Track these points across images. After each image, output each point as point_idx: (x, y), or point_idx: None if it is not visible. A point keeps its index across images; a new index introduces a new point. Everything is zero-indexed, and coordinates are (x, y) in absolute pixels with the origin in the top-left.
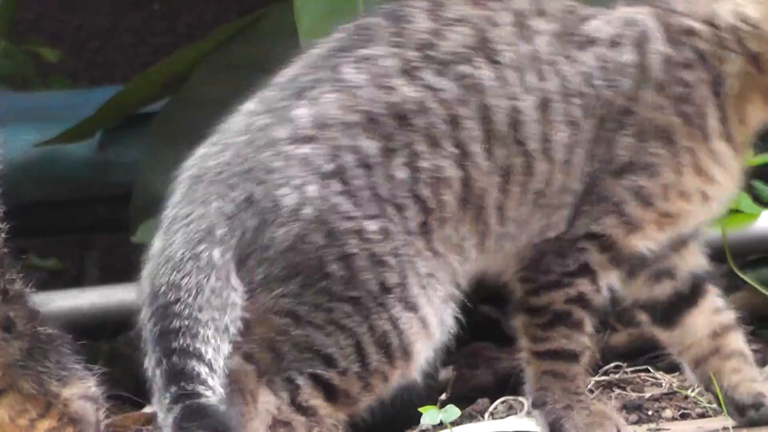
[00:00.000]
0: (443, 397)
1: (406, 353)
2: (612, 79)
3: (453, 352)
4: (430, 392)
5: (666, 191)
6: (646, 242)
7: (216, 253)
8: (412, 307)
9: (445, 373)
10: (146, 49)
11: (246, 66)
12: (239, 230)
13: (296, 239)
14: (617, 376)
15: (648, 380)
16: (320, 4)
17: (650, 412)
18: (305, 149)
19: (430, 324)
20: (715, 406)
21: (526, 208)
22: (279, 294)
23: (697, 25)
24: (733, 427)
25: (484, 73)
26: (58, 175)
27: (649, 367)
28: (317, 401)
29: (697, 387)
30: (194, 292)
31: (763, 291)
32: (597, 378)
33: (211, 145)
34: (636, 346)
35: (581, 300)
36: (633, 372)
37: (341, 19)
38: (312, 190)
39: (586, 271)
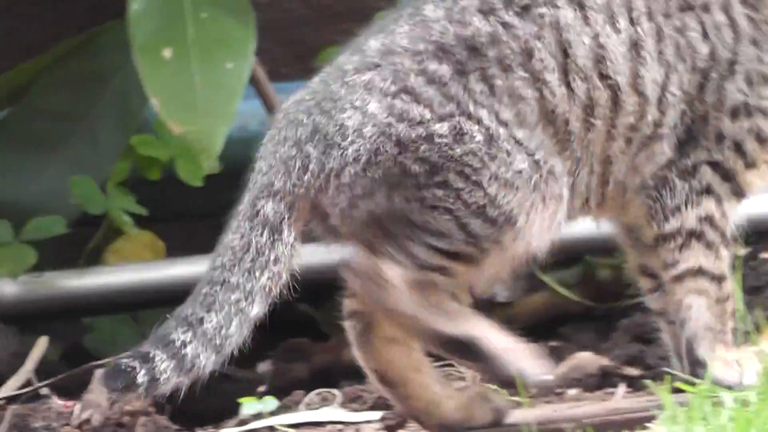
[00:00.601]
0: (262, 389)
1: (510, 220)
2: (711, 36)
3: (272, 347)
4: (250, 385)
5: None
6: (760, 179)
7: (269, 207)
8: (509, 185)
9: (264, 367)
10: None
11: (84, 78)
12: (299, 166)
13: (369, 156)
14: None
15: (454, 373)
16: (152, 22)
17: None
18: (368, 75)
19: (531, 207)
20: (517, 398)
21: (617, 142)
22: (370, 208)
23: None
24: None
25: (565, 13)
26: None
27: (454, 361)
28: (443, 261)
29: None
30: (240, 253)
31: (562, 291)
32: None
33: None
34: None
35: (711, 221)
36: (440, 365)
37: (171, 37)
38: (373, 107)
39: (711, 192)
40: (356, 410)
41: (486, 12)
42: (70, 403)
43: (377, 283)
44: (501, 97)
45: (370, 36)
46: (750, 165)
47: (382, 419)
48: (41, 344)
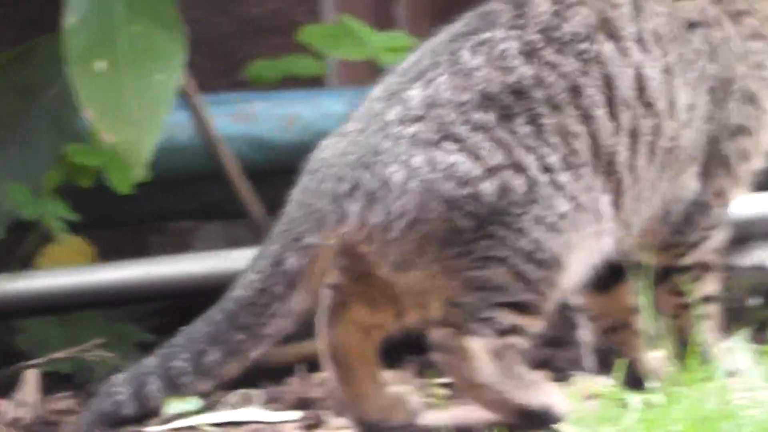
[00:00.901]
0: None
1: (557, 262)
2: (715, 55)
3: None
4: None
5: (757, 149)
6: (738, 195)
7: (292, 260)
8: (554, 229)
9: None
10: None
11: (19, 89)
12: (335, 220)
13: (416, 212)
14: None
15: None
16: (85, 36)
17: None
18: (413, 128)
19: (575, 246)
20: (430, 399)
21: (655, 167)
22: (422, 266)
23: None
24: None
25: (606, 47)
26: None
27: None
28: (515, 318)
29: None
30: (254, 296)
31: None
32: (324, 373)
33: (335, 135)
34: None
35: (718, 249)
36: None
37: (104, 49)
38: (417, 160)
39: (721, 223)
40: (276, 410)
41: (528, 53)
42: (2, 401)
43: (461, 357)
44: (548, 138)
45: (406, 83)
46: (737, 185)
47: (301, 419)
48: None
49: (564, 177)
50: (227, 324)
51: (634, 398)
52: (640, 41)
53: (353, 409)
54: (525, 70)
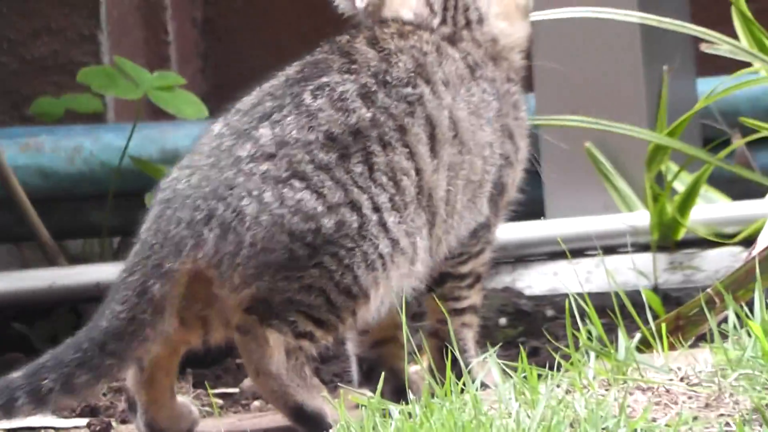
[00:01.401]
0: None
1: (366, 296)
2: (496, 95)
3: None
4: None
5: (515, 180)
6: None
7: (156, 287)
8: (372, 267)
9: None
10: None
11: None
12: (191, 245)
13: (263, 242)
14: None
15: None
16: None
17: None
18: (265, 165)
19: (381, 282)
20: (208, 408)
21: (467, 199)
22: (257, 286)
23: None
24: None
25: (426, 90)
26: None
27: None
28: (311, 328)
29: (192, 393)
30: (122, 326)
31: None
32: (110, 384)
33: (181, 168)
34: None
35: (487, 264)
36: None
37: None
38: (268, 196)
39: (494, 240)
40: (66, 417)
41: (364, 95)
42: None
43: (259, 343)
44: (379, 178)
45: (254, 122)
46: (505, 208)
47: (88, 425)
48: None
49: (390, 218)
50: (97, 351)
51: (394, 408)
52: (446, 84)
53: (146, 415)
54: (363, 112)
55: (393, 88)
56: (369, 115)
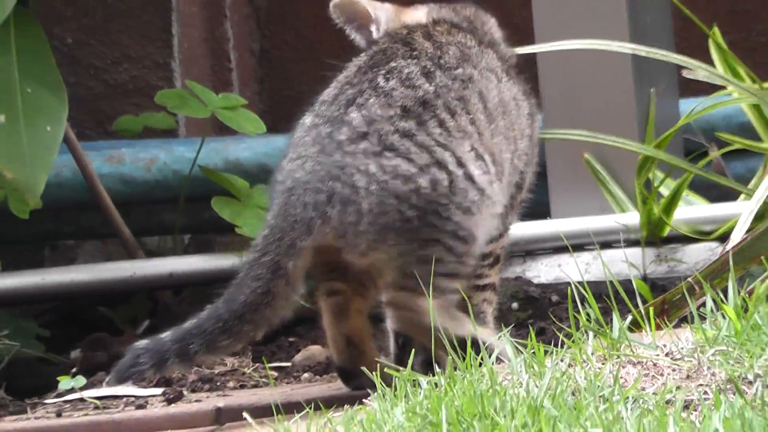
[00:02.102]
0: (74, 370)
1: (474, 237)
2: (524, 98)
3: (80, 339)
4: (65, 367)
5: (530, 179)
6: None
7: (290, 264)
8: (469, 212)
9: (75, 354)
10: None
11: None
12: (319, 224)
13: (378, 206)
14: None
15: (217, 361)
16: None
17: (218, 383)
18: (363, 144)
19: (480, 223)
20: (264, 379)
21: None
22: (385, 251)
23: None
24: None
25: (473, 72)
26: None
27: None
28: (449, 284)
29: (252, 367)
30: (258, 298)
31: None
32: None
33: (292, 159)
34: None
35: (505, 247)
36: None
37: (4, 106)
38: (372, 168)
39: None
40: (144, 387)
41: (426, 74)
42: None
43: (412, 310)
44: (455, 135)
45: (342, 109)
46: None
47: (163, 393)
48: None
49: (474, 169)
50: (236, 320)
51: (423, 380)
52: (490, 71)
53: (370, 368)
54: (427, 86)
55: (447, 69)
56: (432, 88)
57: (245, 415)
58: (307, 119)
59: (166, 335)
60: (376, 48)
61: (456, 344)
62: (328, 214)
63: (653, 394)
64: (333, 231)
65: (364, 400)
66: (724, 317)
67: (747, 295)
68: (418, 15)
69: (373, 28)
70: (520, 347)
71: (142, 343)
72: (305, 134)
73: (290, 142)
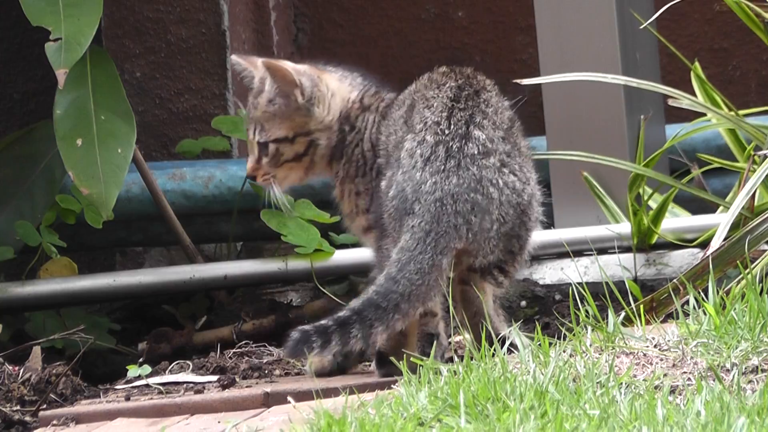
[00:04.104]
0: (141, 360)
1: (525, 250)
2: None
3: (146, 333)
4: (133, 357)
5: None
6: None
7: (444, 261)
8: (537, 222)
9: (142, 345)
10: None
11: (25, 158)
12: (466, 230)
13: (503, 216)
14: (246, 349)
15: (265, 352)
16: (69, 121)
17: (266, 371)
18: (490, 159)
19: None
20: (306, 368)
21: None
22: (497, 254)
23: None
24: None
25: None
26: None
27: (266, 344)
28: (503, 278)
29: None
30: (416, 290)
31: (335, 299)
32: (234, 350)
33: (433, 174)
34: (258, 332)
35: None
36: (255, 347)
37: (81, 131)
38: (500, 182)
39: None
40: (202, 375)
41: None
42: (16, 368)
43: (479, 293)
44: (527, 157)
45: (463, 126)
46: None
47: (218, 380)
48: None
49: (537, 189)
50: (391, 310)
51: (444, 368)
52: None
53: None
54: (508, 113)
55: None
56: (510, 114)
57: (289, 398)
58: (428, 138)
59: (327, 321)
60: (458, 78)
61: (494, 336)
62: (471, 222)
63: (643, 380)
64: (473, 236)
65: (392, 385)
66: (705, 314)
67: (725, 294)
68: (345, 88)
69: (297, 93)
70: (527, 340)
71: (308, 326)
72: (431, 151)
73: (403, 156)
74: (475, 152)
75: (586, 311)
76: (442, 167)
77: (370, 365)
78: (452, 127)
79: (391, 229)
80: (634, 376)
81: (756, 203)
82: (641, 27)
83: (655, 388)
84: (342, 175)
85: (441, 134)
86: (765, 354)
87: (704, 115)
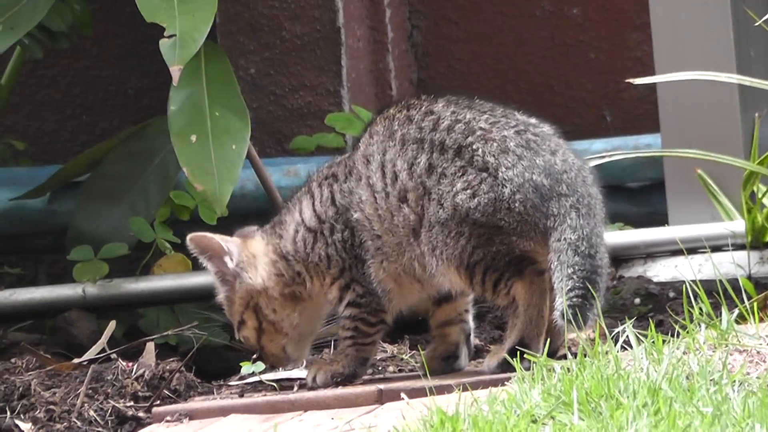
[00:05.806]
0: (255, 356)
1: None
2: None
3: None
4: (247, 354)
5: None
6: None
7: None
8: None
9: None
10: (78, 143)
11: (139, 154)
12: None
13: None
14: None
15: (379, 349)
16: (183, 118)
17: (380, 368)
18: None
19: None
20: (418, 365)
21: None
22: None
23: None
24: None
25: None
26: (23, 218)
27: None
28: None
29: (408, 353)
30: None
31: None
32: None
33: (553, 152)
34: None
35: None
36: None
37: (195, 128)
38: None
39: None
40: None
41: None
42: (130, 364)
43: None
44: None
45: (549, 143)
46: None
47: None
48: (111, 326)
49: None
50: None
51: (557, 365)
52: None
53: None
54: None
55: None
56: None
57: (402, 395)
58: (511, 135)
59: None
60: (497, 109)
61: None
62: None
63: (757, 378)
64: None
65: (505, 382)
66: None
67: None
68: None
69: (227, 259)
70: (641, 337)
71: (572, 300)
72: (521, 138)
73: (493, 153)
74: (555, 148)
75: (700, 309)
76: (570, 176)
77: (482, 362)
78: (540, 139)
79: (523, 226)
80: (748, 373)
81: None
82: (755, 24)
83: None
84: (328, 283)
85: (523, 128)
86: None
87: None
